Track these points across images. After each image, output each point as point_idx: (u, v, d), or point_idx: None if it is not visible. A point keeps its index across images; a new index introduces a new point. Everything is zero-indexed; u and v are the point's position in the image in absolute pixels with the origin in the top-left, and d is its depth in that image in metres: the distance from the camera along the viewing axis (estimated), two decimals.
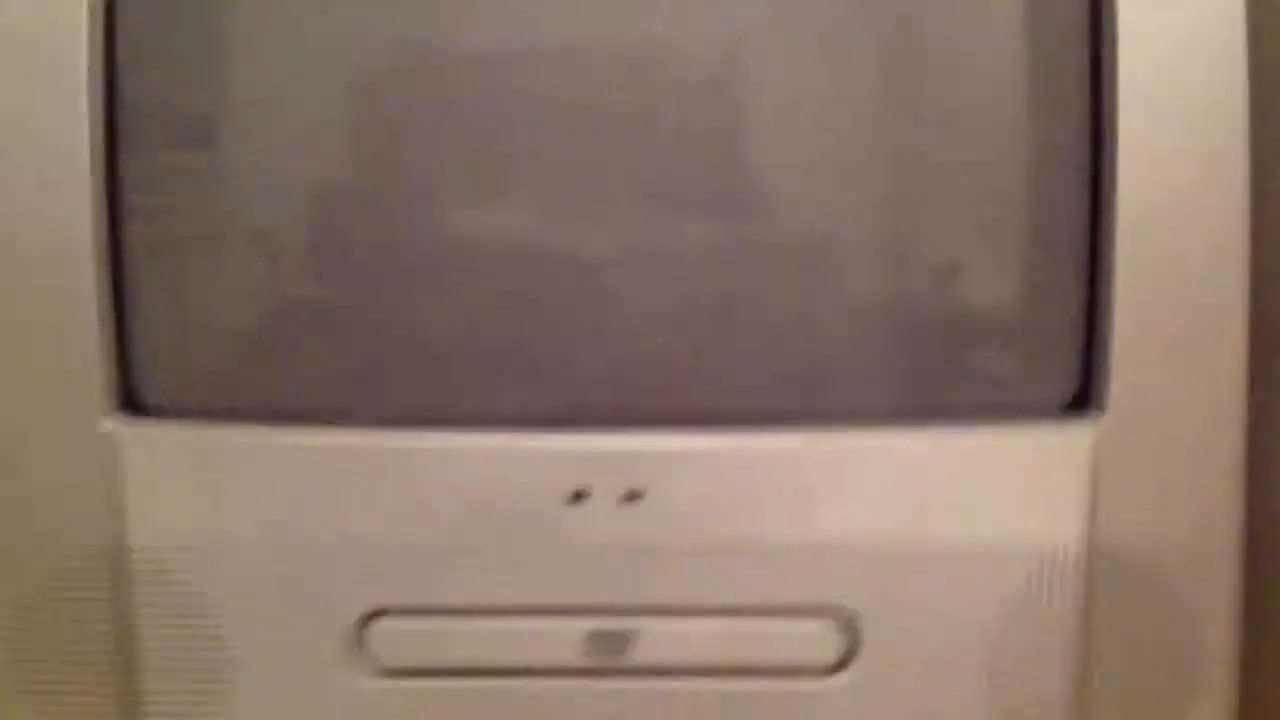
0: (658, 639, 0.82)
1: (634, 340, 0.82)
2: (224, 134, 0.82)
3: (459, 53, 0.81)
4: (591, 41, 0.81)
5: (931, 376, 0.84)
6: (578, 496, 0.80)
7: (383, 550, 0.80)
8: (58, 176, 0.78)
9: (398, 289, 0.82)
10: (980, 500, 0.81)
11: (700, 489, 0.80)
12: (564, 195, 0.82)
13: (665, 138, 0.81)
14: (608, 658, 0.82)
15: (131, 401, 0.81)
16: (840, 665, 0.82)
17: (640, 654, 0.82)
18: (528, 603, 0.81)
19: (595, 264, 0.82)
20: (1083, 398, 0.82)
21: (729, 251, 0.82)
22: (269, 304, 0.83)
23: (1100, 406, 0.81)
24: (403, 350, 0.82)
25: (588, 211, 0.82)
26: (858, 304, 0.84)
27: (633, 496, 0.80)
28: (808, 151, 0.82)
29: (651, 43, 0.81)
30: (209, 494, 0.80)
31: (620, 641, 0.82)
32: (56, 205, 0.78)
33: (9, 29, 0.77)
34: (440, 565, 0.80)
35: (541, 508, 0.80)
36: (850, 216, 0.83)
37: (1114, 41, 0.78)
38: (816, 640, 0.82)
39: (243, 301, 0.83)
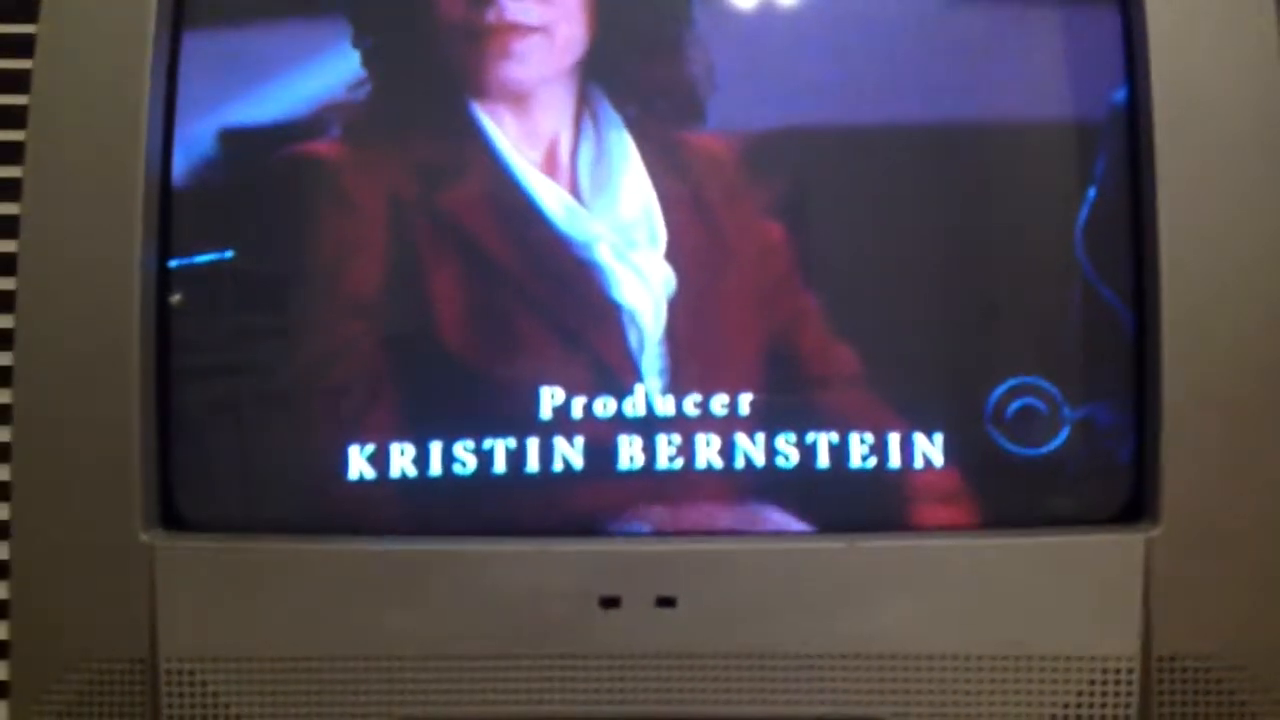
0: None
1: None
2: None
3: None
4: None
5: (980, 485, 0.82)
6: (610, 603, 0.78)
7: (413, 659, 0.79)
8: (109, 314, 0.81)
9: (429, 406, 0.83)
10: (1032, 610, 0.79)
11: (733, 594, 0.79)
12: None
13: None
14: None
15: (169, 516, 0.82)
16: None
17: None
18: (559, 712, 0.79)
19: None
20: (1135, 507, 0.80)
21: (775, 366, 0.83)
22: (301, 426, 0.85)
23: (1153, 516, 0.79)
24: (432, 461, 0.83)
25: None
26: (907, 414, 0.83)
27: (665, 603, 0.78)
28: (870, 280, 0.84)
29: None
30: (241, 605, 0.80)
31: None
32: (106, 336, 0.81)
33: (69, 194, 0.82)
34: (471, 674, 0.79)
35: (574, 615, 0.78)
36: (912, 342, 0.84)
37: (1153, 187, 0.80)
38: None
39: (277, 425, 0.85)
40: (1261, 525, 0.79)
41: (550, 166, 0.86)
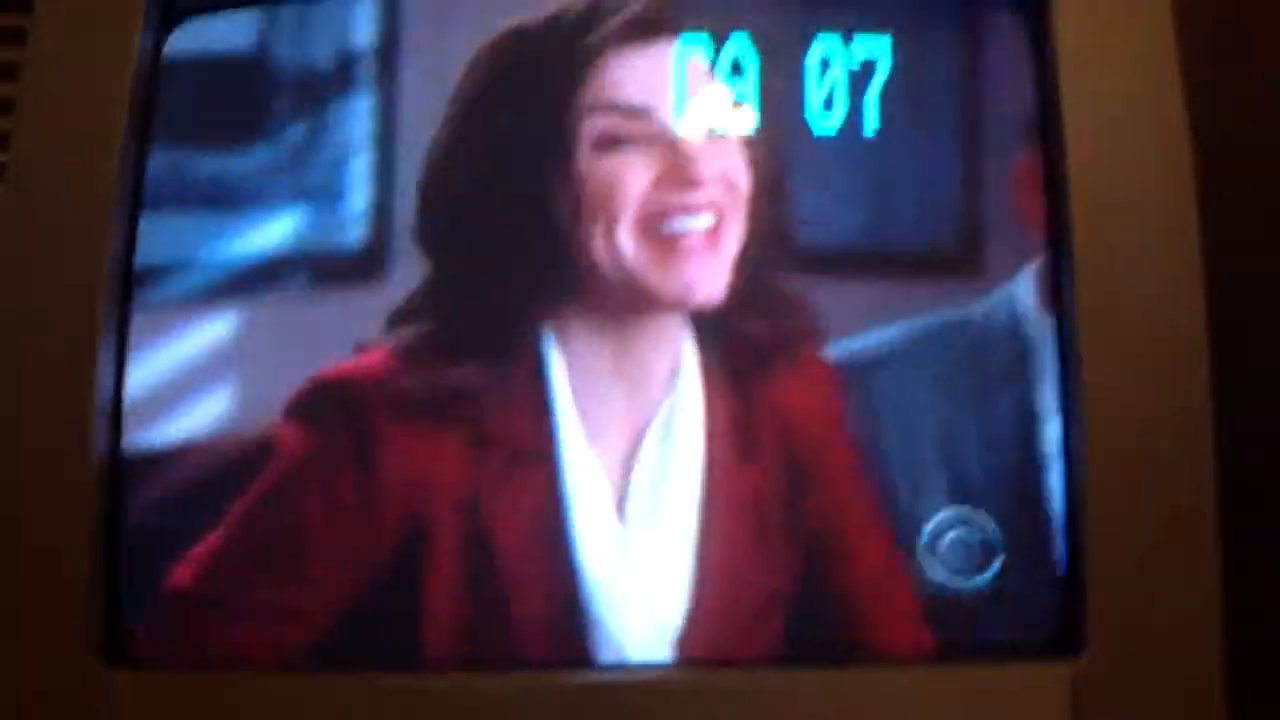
0: None
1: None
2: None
3: None
4: None
5: (913, 615, 0.85)
6: None
7: None
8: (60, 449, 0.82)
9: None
10: None
11: None
12: None
13: None
14: None
15: (120, 651, 0.82)
16: None
17: None
18: None
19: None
20: (1063, 639, 0.83)
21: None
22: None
23: (1079, 647, 0.82)
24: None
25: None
26: (837, 551, 0.85)
27: None
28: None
29: None
30: None
31: None
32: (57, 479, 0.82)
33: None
34: None
35: None
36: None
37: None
38: None
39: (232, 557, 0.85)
40: (1186, 657, 0.81)
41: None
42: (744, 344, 0.87)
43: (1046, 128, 0.86)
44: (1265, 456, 0.94)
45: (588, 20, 0.87)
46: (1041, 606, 0.84)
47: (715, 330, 0.86)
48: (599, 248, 0.86)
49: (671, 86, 0.87)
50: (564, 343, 0.86)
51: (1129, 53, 0.86)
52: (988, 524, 0.85)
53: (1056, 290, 0.85)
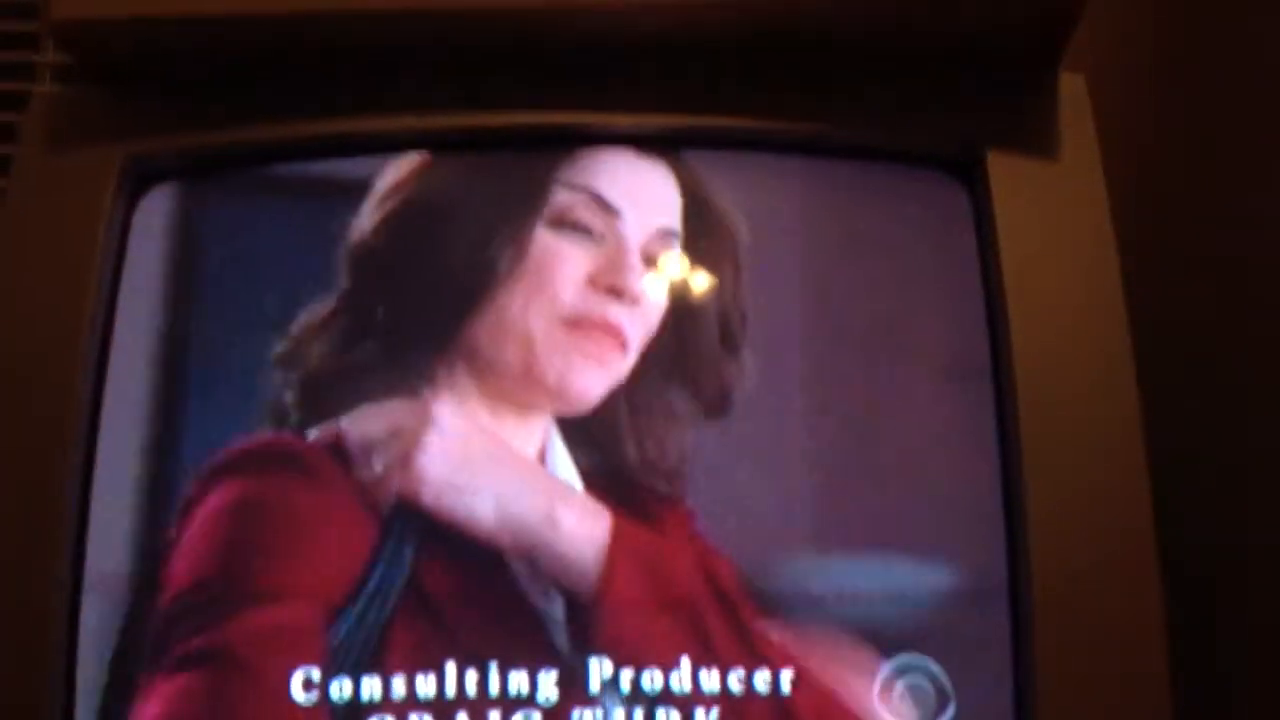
0: None
1: None
2: None
3: None
4: None
5: None
6: None
7: None
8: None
9: None
10: None
11: None
12: None
13: None
14: None
15: None
16: None
17: None
18: None
19: None
20: None
21: None
22: None
23: None
24: None
25: None
26: None
27: None
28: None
29: None
30: None
31: None
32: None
33: None
34: None
35: None
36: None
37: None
38: None
39: None
40: None
41: None
42: (610, 470, 0.87)
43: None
44: (1213, 597, 0.96)
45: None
46: None
47: (580, 440, 0.88)
48: (512, 317, 0.88)
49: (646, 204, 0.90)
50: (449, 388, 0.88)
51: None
52: (940, 672, 0.86)
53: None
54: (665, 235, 0.91)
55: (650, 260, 0.90)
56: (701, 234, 0.92)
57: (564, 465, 0.88)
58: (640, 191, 0.91)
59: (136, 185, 0.91)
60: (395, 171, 0.92)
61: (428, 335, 0.89)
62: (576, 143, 0.92)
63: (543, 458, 0.88)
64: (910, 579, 0.87)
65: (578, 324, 0.88)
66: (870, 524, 0.89)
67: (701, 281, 0.91)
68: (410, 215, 0.91)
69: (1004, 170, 0.91)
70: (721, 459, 0.89)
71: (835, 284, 0.93)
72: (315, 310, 0.89)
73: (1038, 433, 0.86)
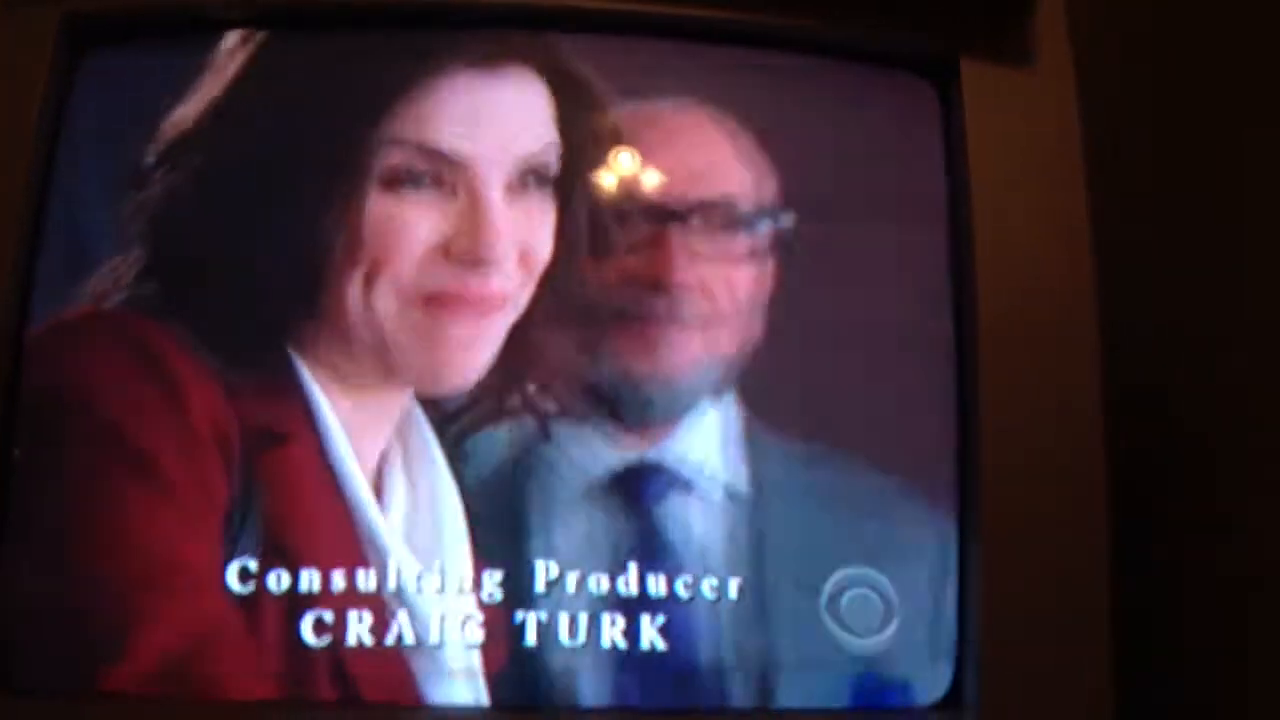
0: None
1: None
2: None
3: None
4: None
5: (805, 673, 0.85)
6: None
7: None
8: None
9: None
10: None
11: None
12: None
13: None
14: None
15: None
16: None
17: None
18: None
19: None
20: (956, 694, 0.84)
21: None
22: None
23: (972, 703, 0.83)
24: None
25: None
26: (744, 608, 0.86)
27: None
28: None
29: None
30: None
31: None
32: None
33: None
34: None
35: None
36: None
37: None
38: None
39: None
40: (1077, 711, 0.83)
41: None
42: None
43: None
44: (1154, 520, 0.97)
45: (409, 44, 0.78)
46: (939, 665, 0.85)
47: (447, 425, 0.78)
48: (353, 298, 0.77)
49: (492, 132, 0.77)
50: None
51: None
52: (886, 583, 0.85)
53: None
54: (534, 163, 0.78)
55: (519, 195, 0.78)
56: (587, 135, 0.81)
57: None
58: (491, 123, 0.78)
59: (75, 44, 0.87)
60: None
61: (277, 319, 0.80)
62: (407, 75, 0.78)
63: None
64: (859, 486, 0.87)
65: (435, 300, 0.77)
66: (822, 424, 0.87)
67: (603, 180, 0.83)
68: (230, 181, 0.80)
69: (977, 75, 0.90)
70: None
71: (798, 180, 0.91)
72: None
73: (997, 340, 0.86)
